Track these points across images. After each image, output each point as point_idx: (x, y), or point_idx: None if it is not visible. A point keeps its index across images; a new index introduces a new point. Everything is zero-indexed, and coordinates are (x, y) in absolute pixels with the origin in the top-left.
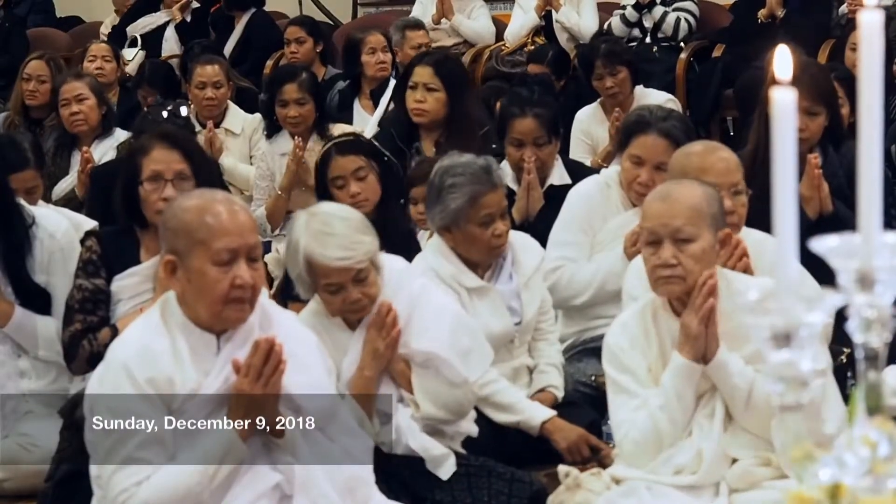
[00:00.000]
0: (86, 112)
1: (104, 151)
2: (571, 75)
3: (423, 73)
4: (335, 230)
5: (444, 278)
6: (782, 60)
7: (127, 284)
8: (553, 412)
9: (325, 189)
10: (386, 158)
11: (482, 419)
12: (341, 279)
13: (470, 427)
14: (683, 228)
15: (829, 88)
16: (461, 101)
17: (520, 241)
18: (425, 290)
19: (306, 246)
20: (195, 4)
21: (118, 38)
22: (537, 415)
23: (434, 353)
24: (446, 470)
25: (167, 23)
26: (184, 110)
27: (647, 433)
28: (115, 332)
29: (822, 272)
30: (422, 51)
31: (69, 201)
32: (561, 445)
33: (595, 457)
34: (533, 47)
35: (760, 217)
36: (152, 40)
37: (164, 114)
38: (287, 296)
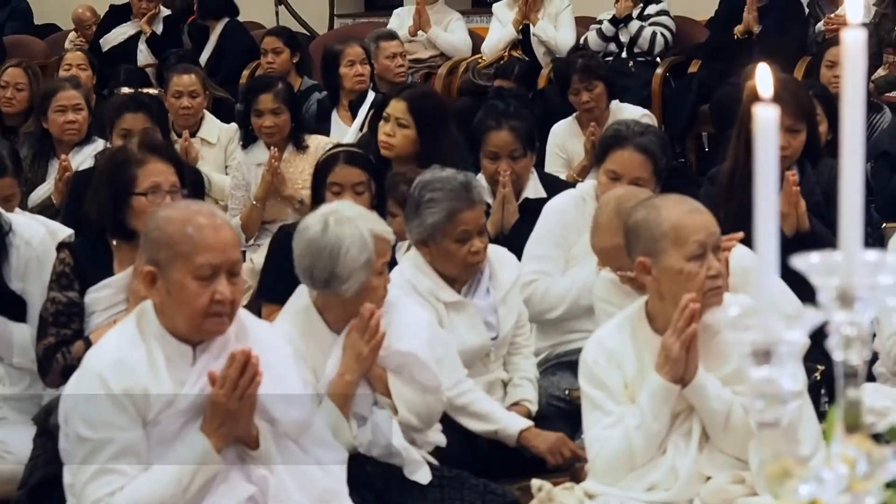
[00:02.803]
0: (80, 122)
1: (83, 160)
2: (539, 90)
3: (396, 107)
4: (367, 211)
5: (421, 293)
6: (763, 78)
7: (101, 296)
8: (530, 422)
9: (319, 188)
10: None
11: (456, 431)
12: (389, 255)
13: (438, 437)
14: (720, 237)
15: (809, 105)
16: (433, 140)
17: (498, 256)
18: (401, 297)
19: (369, 227)
20: (165, 12)
21: (95, 51)
22: (515, 424)
23: (413, 354)
24: (423, 475)
25: (140, 33)
26: (151, 91)
27: (621, 452)
28: (88, 345)
29: (797, 290)
30: (398, 61)
31: (45, 208)
32: (541, 448)
33: (576, 463)
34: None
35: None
36: (126, 50)
37: (127, 90)
38: (264, 298)
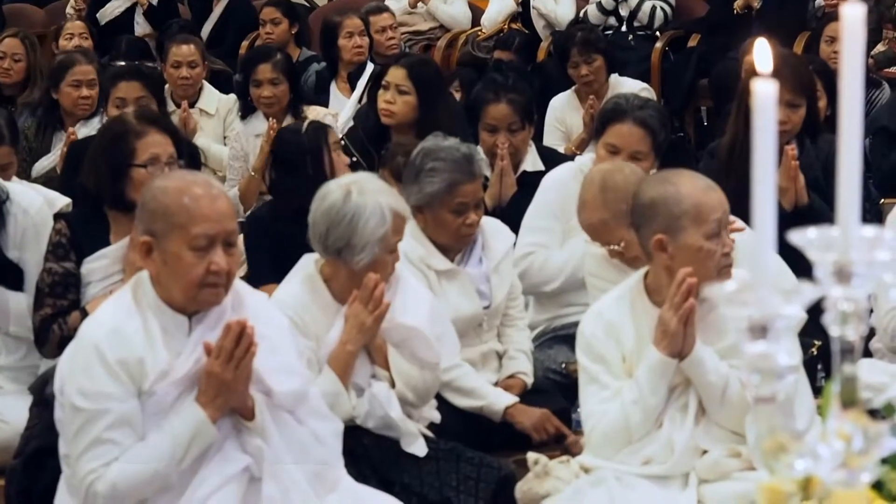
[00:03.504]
0: (93, 97)
1: (89, 132)
2: (538, 63)
3: (396, 75)
4: (389, 187)
5: (412, 260)
6: (762, 53)
7: (97, 267)
8: (516, 398)
9: (319, 160)
10: (355, 159)
11: (452, 405)
12: (402, 236)
13: (433, 414)
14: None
15: (809, 80)
16: (433, 107)
17: (491, 226)
18: (403, 271)
19: (389, 203)
20: None
21: (92, 24)
22: (501, 400)
23: (417, 328)
24: (420, 447)
25: (135, 4)
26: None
27: (617, 426)
28: (85, 316)
29: (795, 264)
30: (388, 34)
31: (50, 180)
32: (526, 424)
33: (560, 440)
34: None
35: (738, 209)
36: (123, 22)
37: (122, 63)
38: (255, 282)
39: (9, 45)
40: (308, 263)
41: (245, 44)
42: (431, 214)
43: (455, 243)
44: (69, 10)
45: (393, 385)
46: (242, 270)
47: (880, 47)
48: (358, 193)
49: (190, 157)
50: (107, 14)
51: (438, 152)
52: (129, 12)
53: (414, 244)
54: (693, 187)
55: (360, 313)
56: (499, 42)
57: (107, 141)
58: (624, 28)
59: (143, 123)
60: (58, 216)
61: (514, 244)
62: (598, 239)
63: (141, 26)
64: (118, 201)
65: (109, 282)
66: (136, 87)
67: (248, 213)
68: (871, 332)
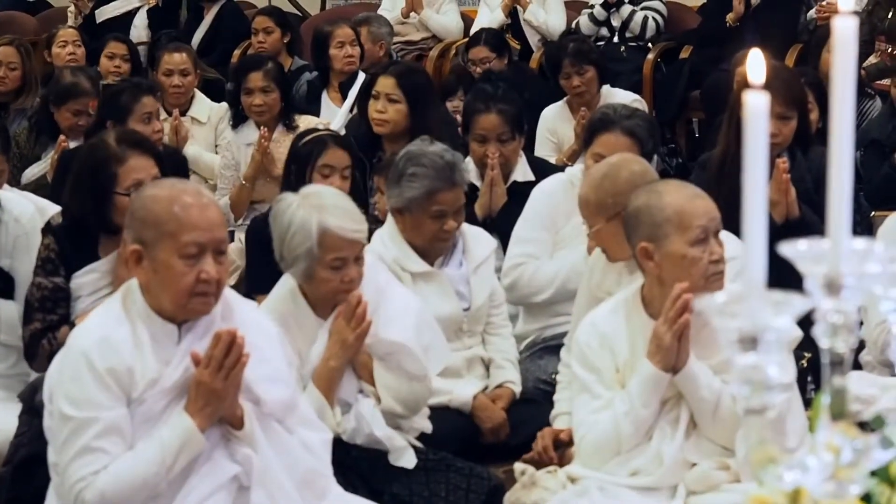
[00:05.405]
0: (88, 123)
1: (81, 142)
2: (530, 73)
3: (385, 84)
4: (345, 205)
5: (386, 262)
6: (755, 64)
7: (86, 281)
8: (478, 388)
9: (301, 172)
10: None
11: (442, 415)
12: (350, 253)
13: (424, 423)
14: (720, 222)
15: (800, 93)
16: (423, 114)
17: (472, 232)
18: (391, 284)
19: (321, 219)
20: None
21: (87, 23)
22: (466, 391)
23: (401, 343)
24: (408, 460)
25: (137, 9)
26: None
27: (608, 437)
28: None
29: (788, 276)
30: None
31: (40, 187)
32: (486, 426)
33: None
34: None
35: (728, 221)
36: (121, 24)
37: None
38: (254, 291)
39: (4, 54)
40: (290, 277)
41: (237, 52)
42: (410, 218)
43: (430, 247)
44: (71, 7)
45: (379, 401)
46: (233, 279)
47: (872, 59)
48: (299, 206)
49: (177, 167)
50: (106, 11)
51: (421, 158)
52: (128, 16)
53: (389, 245)
54: (677, 195)
55: (343, 330)
56: (472, 39)
57: (88, 168)
58: (616, 39)
59: (124, 147)
60: (46, 230)
61: (496, 251)
62: (581, 213)
63: (138, 30)
64: (103, 226)
65: (99, 296)
66: (153, 102)
67: (252, 219)
68: (861, 345)
